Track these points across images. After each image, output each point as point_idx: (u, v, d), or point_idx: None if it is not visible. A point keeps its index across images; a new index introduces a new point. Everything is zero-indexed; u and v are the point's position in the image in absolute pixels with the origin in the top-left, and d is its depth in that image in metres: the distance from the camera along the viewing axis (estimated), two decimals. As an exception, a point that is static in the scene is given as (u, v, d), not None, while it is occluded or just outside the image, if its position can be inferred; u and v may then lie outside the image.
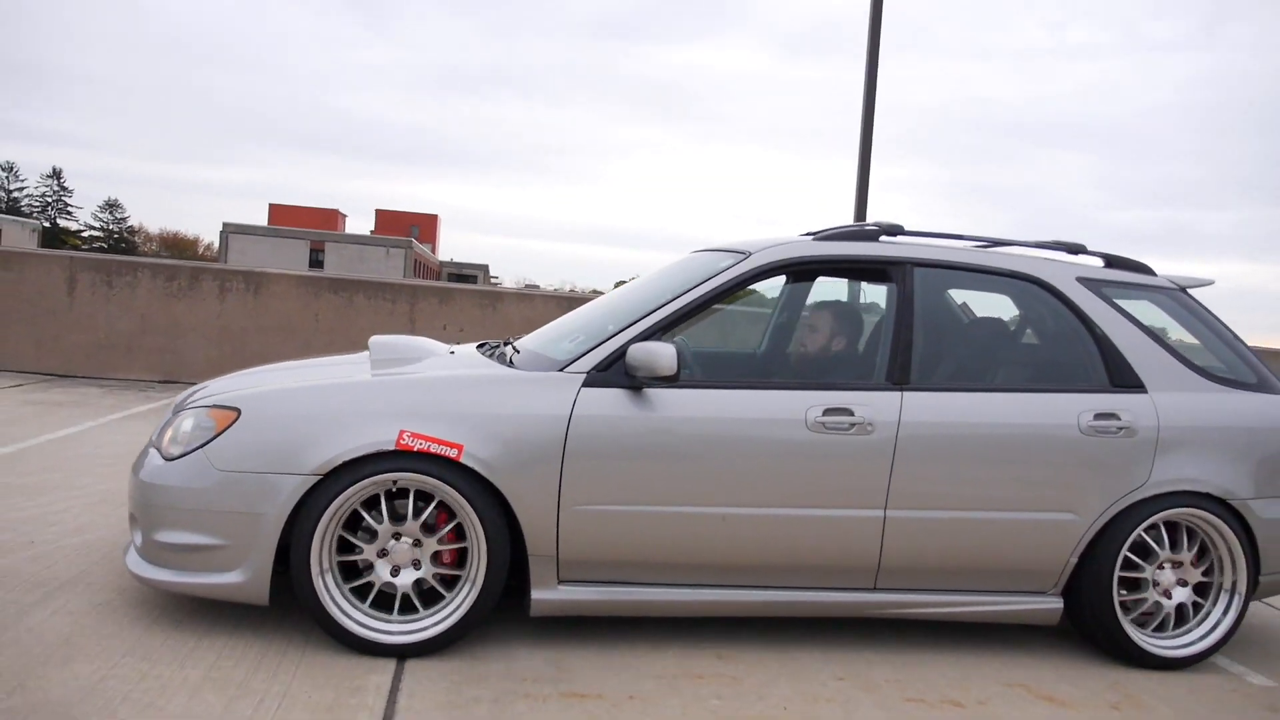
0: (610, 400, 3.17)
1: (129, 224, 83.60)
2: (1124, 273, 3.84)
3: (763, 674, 3.22)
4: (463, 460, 3.01)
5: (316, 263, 55.04)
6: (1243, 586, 3.59)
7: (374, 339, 3.63)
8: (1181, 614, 3.59)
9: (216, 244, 58.35)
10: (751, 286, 3.56)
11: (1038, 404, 3.46)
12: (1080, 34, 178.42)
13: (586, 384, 3.18)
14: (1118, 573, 3.48)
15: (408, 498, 3.06)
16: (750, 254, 3.49)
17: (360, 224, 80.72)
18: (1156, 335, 3.67)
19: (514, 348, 3.68)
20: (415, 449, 2.99)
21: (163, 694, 2.69)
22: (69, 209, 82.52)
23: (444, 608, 3.11)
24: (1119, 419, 3.47)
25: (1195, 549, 3.58)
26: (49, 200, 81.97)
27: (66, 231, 77.21)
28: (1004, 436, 3.39)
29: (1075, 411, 3.45)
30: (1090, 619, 3.52)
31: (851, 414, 3.29)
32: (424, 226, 75.10)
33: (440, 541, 3.09)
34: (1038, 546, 3.45)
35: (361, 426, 3.01)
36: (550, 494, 3.10)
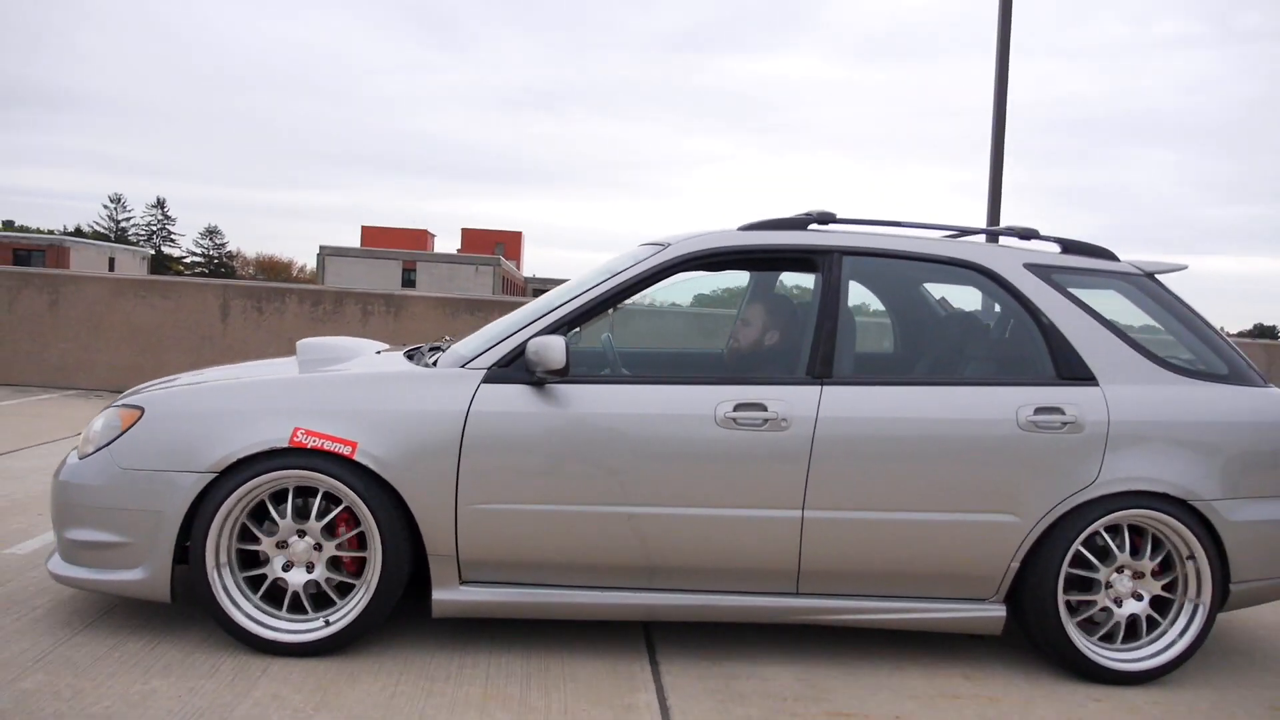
0: (510, 396, 3.10)
1: (228, 249, 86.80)
2: (1081, 258, 3.58)
3: (1017, 694, 3.17)
4: (356, 458, 2.97)
5: (409, 282, 56.28)
6: (1207, 597, 3.28)
7: (301, 341, 3.61)
8: (1135, 626, 3.31)
9: (310, 266, 60.29)
10: (676, 278, 3.39)
11: (973, 398, 3.24)
12: (1167, 27, 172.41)
13: (487, 380, 3.11)
14: (1064, 579, 3.21)
15: (316, 496, 3.04)
16: (669, 245, 3.37)
17: (447, 243, 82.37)
18: (1112, 324, 3.39)
19: (442, 348, 3.59)
20: (309, 446, 2.97)
21: (454, 711, 2.77)
22: (172, 236, 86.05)
23: (336, 609, 3.07)
24: (1063, 413, 3.21)
25: (1160, 558, 3.30)
26: (154, 229, 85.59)
27: (170, 258, 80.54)
28: (933, 433, 3.17)
29: (1014, 406, 3.21)
30: (1035, 628, 3.26)
31: (765, 409, 3.13)
32: (508, 244, 76.35)
33: (341, 547, 3.06)
34: (974, 550, 3.20)
35: (257, 424, 3.01)
36: (448, 492, 3.04)
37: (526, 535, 3.10)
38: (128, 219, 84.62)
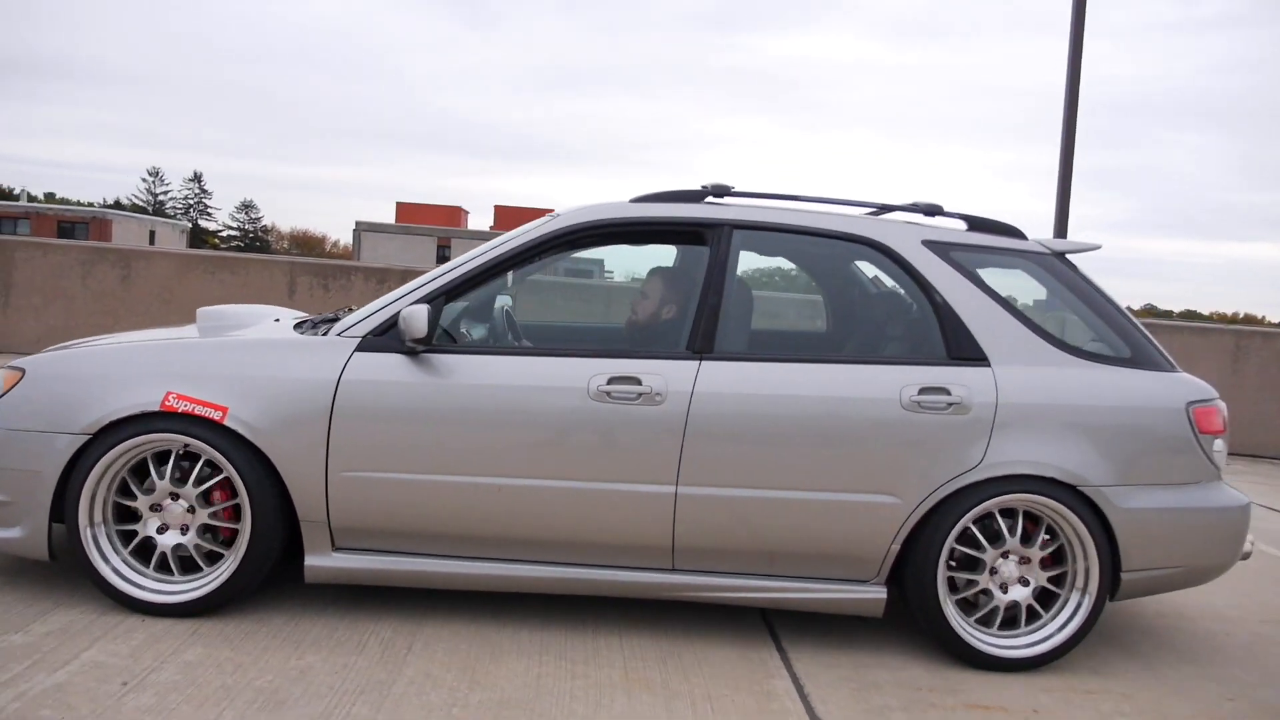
0: (383, 365, 3.10)
1: (263, 224, 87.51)
2: (986, 236, 3.47)
3: (1148, 692, 3.16)
4: (227, 423, 3.00)
5: (443, 258, 56.44)
6: (1094, 586, 3.20)
7: (201, 309, 3.63)
8: (1017, 613, 3.23)
9: (345, 241, 60.54)
10: (565, 248, 3.38)
11: (856, 376, 3.17)
12: (1211, 7, 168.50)
13: (360, 348, 3.12)
14: (945, 562, 3.15)
15: (197, 461, 3.06)
16: (558, 215, 3.34)
17: (480, 220, 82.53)
18: (1010, 304, 3.30)
19: (338, 317, 3.53)
20: (179, 410, 3.00)
21: (601, 693, 2.81)
22: (209, 210, 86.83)
23: (204, 574, 3.09)
24: (949, 394, 3.14)
25: (1055, 547, 3.23)
26: (191, 202, 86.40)
27: (206, 232, 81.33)
28: (812, 411, 3.12)
29: (898, 385, 3.14)
30: (916, 610, 3.22)
31: (639, 383, 3.10)
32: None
33: (217, 515, 3.08)
34: (854, 530, 3.14)
35: (132, 388, 3.04)
36: (318, 459, 3.05)
37: (397, 504, 3.10)
38: (165, 192, 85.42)
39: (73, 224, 42.38)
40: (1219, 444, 3.32)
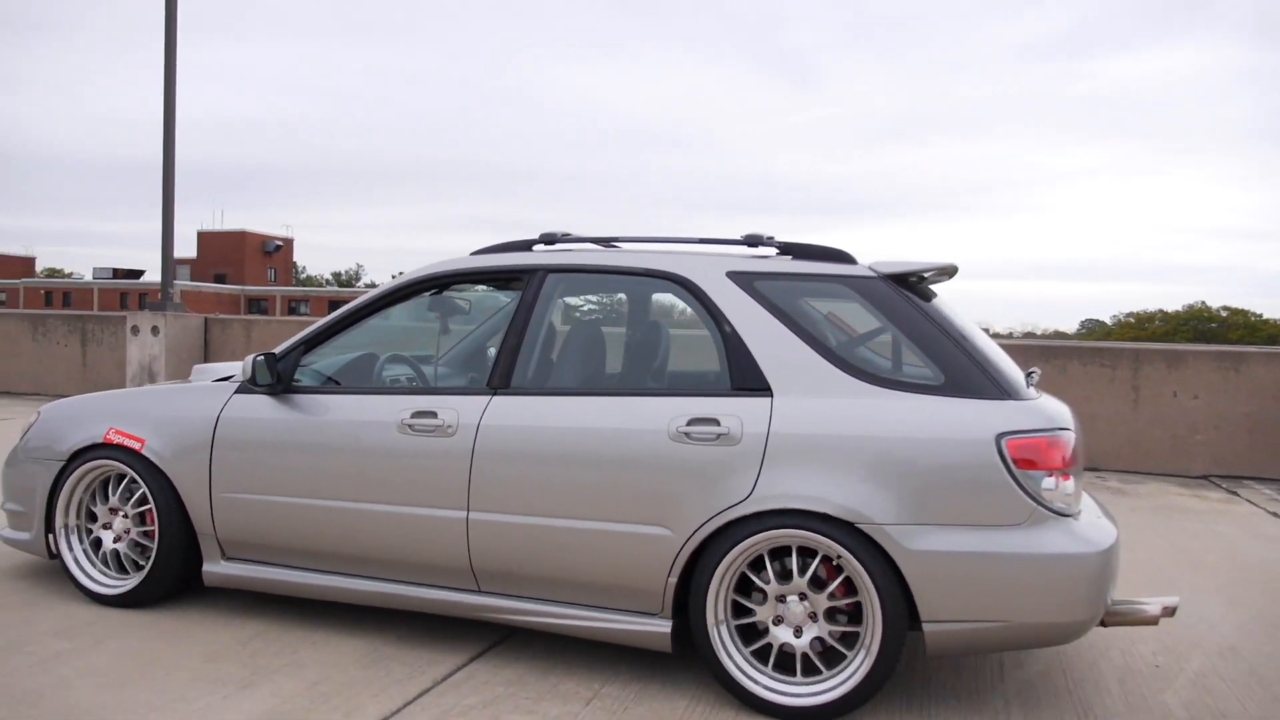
0: (251, 404, 3.71)
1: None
2: (803, 263, 3.32)
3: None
4: (144, 452, 3.76)
5: None
6: (876, 636, 2.90)
7: (195, 366, 4.32)
8: (794, 657, 3.01)
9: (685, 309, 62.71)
10: (415, 298, 3.77)
11: (631, 408, 3.19)
12: None
13: (239, 391, 3.76)
14: (716, 598, 3.03)
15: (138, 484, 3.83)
16: (409, 272, 3.75)
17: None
18: (810, 333, 3.16)
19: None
20: (115, 441, 3.80)
21: None
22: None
23: (135, 574, 3.83)
24: (719, 424, 3.05)
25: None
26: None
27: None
28: (584, 441, 3.19)
29: (669, 416, 3.10)
30: (696, 647, 3.09)
31: (436, 416, 3.39)
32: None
33: (144, 529, 3.83)
34: (631, 562, 3.12)
35: (91, 425, 3.90)
36: (205, 482, 3.71)
37: (260, 521, 3.66)
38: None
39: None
40: (1051, 481, 2.88)
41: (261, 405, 3.71)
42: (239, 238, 68.54)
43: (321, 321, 3.82)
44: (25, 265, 79.25)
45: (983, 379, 3.02)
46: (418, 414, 3.44)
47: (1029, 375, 3.43)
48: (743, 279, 3.29)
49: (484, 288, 3.97)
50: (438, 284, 3.79)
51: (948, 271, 3.48)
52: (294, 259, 75.90)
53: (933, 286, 3.69)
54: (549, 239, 3.72)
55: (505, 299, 3.93)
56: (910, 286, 3.26)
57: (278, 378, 3.66)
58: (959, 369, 3.03)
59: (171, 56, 10.90)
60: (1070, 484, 2.93)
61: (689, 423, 3.11)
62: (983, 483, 2.89)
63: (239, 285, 65.06)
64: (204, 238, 70.38)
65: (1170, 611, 3.11)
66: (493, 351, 3.78)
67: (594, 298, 4.06)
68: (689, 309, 3.40)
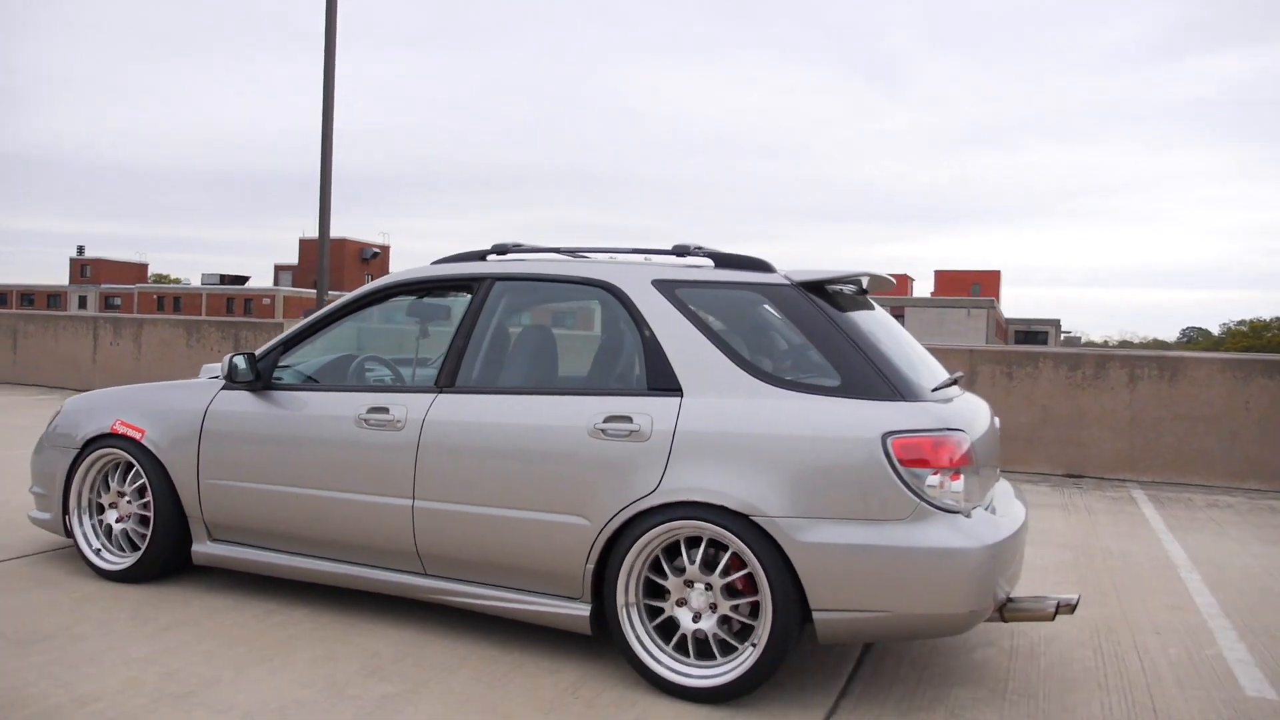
0: (234, 399, 4.08)
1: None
2: (723, 272, 3.54)
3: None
4: (144, 442, 4.17)
5: None
6: (765, 621, 3.07)
7: (204, 366, 4.57)
8: (701, 642, 3.21)
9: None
10: (386, 302, 4.11)
11: (556, 406, 3.46)
12: None
13: (225, 387, 4.13)
14: (625, 583, 3.26)
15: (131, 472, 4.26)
16: (373, 280, 4.08)
17: (920, 286, 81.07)
18: (719, 337, 3.37)
19: None
20: (119, 432, 4.21)
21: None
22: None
23: (135, 552, 4.23)
24: (631, 422, 3.30)
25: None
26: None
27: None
28: (512, 437, 3.47)
29: (589, 414, 3.37)
30: (611, 630, 3.31)
31: (388, 412, 3.71)
32: (985, 284, 72.93)
33: (144, 510, 4.21)
34: (553, 549, 3.39)
35: (102, 416, 4.32)
36: (193, 469, 4.09)
37: (240, 506, 4.01)
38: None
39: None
40: (936, 479, 3.01)
41: (243, 400, 4.08)
42: (338, 245, 71.06)
43: (299, 324, 4.18)
44: (139, 271, 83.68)
45: (877, 381, 3.16)
46: (373, 409, 3.76)
47: (953, 379, 3.59)
48: (665, 286, 3.50)
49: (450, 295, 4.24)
50: (399, 291, 4.10)
51: (856, 280, 3.63)
52: (389, 266, 78.30)
53: (871, 297, 3.90)
54: (500, 249, 3.99)
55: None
56: (823, 294, 3.41)
57: (257, 375, 4.02)
58: (855, 372, 3.18)
59: (330, 73, 11.00)
60: (959, 483, 3.04)
61: (605, 420, 3.34)
62: (869, 479, 3.03)
63: (338, 291, 67.50)
64: (305, 245, 73.25)
65: (1070, 608, 3.20)
66: (445, 351, 4.03)
67: (537, 304, 4.32)
68: (618, 315, 3.62)
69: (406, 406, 3.71)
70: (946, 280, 75.85)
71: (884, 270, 3.81)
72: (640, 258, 3.76)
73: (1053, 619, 3.23)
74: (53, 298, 71.72)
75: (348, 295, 4.14)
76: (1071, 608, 3.21)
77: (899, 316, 55.52)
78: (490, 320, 3.79)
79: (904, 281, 74.97)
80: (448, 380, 3.73)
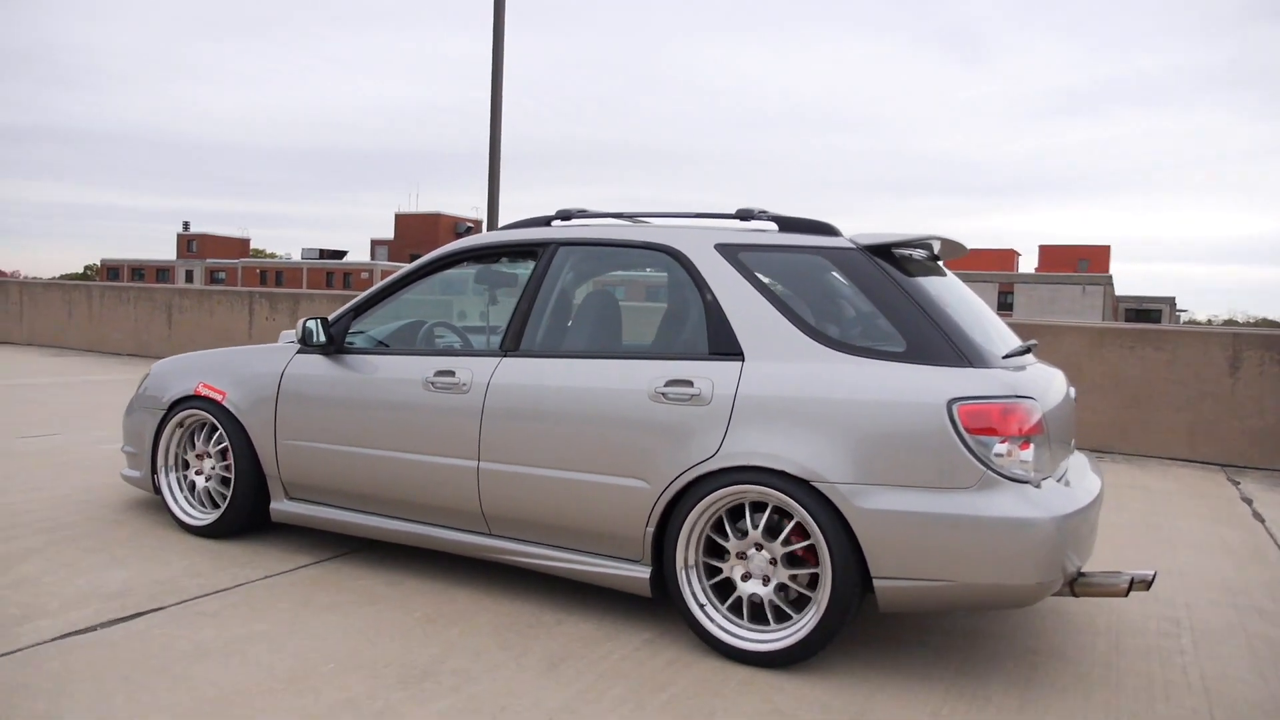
0: (309, 362, 4.18)
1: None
2: (787, 235, 3.49)
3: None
4: (225, 403, 4.29)
5: (1005, 305, 54.26)
6: (825, 587, 3.05)
7: (282, 332, 4.65)
8: (780, 604, 3.18)
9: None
10: (454, 267, 4.14)
11: (616, 370, 3.46)
12: None
13: (300, 351, 4.23)
14: (688, 547, 3.27)
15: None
16: (443, 247, 4.13)
17: (1027, 262, 77.92)
18: (782, 300, 3.33)
19: None
20: (202, 394, 4.33)
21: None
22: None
23: (221, 507, 4.33)
24: (692, 385, 3.28)
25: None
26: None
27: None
28: (576, 399, 3.47)
29: (650, 378, 3.36)
30: (671, 593, 3.32)
31: (454, 375, 3.74)
32: (1093, 259, 69.57)
33: (225, 470, 4.33)
34: (614, 511, 3.39)
35: (187, 379, 4.47)
36: (270, 430, 4.19)
37: (315, 465, 4.10)
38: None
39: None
40: (1004, 447, 2.92)
41: (317, 363, 4.17)
42: (433, 220, 72.20)
43: (370, 290, 4.26)
44: (242, 246, 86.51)
45: (944, 346, 3.08)
46: (440, 372, 3.81)
47: (1026, 347, 3.50)
48: (728, 250, 3.47)
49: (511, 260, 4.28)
50: (466, 256, 4.13)
51: (926, 245, 3.53)
52: (481, 239, 78.85)
53: (944, 261, 3.81)
54: (564, 215, 4.01)
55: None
56: (889, 258, 3.33)
57: (330, 339, 4.11)
58: (921, 337, 3.11)
59: (499, 48, 11.35)
60: (1028, 452, 2.95)
61: (666, 384, 3.34)
62: (933, 446, 2.95)
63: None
64: (400, 219, 74.58)
65: (1146, 584, 3.10)
66: (511, 315, 4.10)
67: (600, 269, 4.27)
68: (680, 279, 3.60)
69: (472, 370, 3.75)
70: (1051, 255, 72.75)
71: (980, 244, 3.69)
72: (704, 222, 3.73)
73: (1126, 595, 3.12)
74: (161, 272, 74.72)
75: (417, 261, 4.18)
76: (1147, 584, 3.10)
77: (1008, 294, 53.42)
78: (554, 285, 3.81)
79: (1010, 256, 72.32)
80: (512, 344, 3.76)
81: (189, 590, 3.66)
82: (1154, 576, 3.12)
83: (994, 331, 3.43)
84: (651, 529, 3.33)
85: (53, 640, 3.12)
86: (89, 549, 4.12)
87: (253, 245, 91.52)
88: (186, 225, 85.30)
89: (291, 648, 3.16)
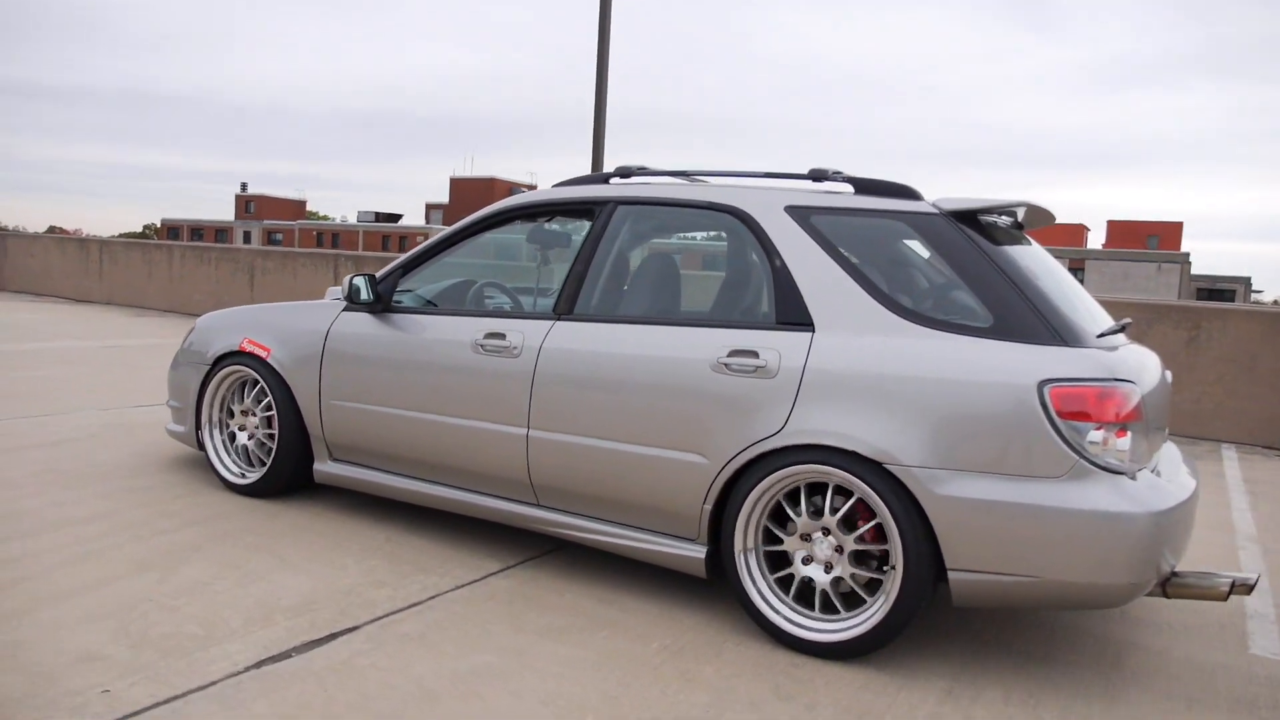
0: (355, 320, 4.02)
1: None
2: (864, 199, 3.19)
3: None
4: (269, 360, 4.17)
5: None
6: (896, 576, 2.80)
7: (328, 289, 4.54)
8: (829, 592, 2.98)
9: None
10: (509, 223, 3.93)
11: (679, 337, 3.23)
12: None
13: (346, 309, 4.07)
14: (748, 528, 3.06)
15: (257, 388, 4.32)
16: (494, 204, 3.92)
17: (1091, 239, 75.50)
18: (857, 268, 3.06)
19: None
20: (247, 350, 4.21)
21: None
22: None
23: (265, 466, 4.24)
24: (757, 357, 3.05)
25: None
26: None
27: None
28: (627, 367, 3.27)
29: (713, 347, 3.13)
30: (728, 575, 3.11)
31: (504, 338, 3.55)
32: (1164, 235, 67.24)
33: (268, 427, 4.27)
34: (669, 487, 3.19)
35: (231, 334, 4.34)
36: (315, 389, 4.06)
37: (359, 426, 3.96)
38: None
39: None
40: (1099, 434, 2.67)
41: (363, 322, 4.02)
42: (487, 184, 71.76)
43: (418, 248, 4.06)
44: (298, 208, 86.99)
45: (1035, 322, 2.82)
46: (489, 335, 3.62)
47: (1120, 325, 3.21)
48: (799, 213, 3.23)
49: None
50: (520, 214, 3.92)
51: (1012, 212, 3.24)
52: (536, 206, 78.64)
53: (1027, 231, 3.50)
54: (624, 172, 3.78)
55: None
56: (975, 225, 3.07)
57: (377, 297, 3.95)
58: (1010, 311, 2.86)
59: (606, 11, 11.30)
60: (1125, 440, 2.69)
61: (729, 354, 3.12)
62: (1020, 430, 2.71)
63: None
64: (456, 184, 74.30)
65: (1248, 588, 2.84)
66: (567, 277, 3.89)
67: (661, 230, 3.97)
68: (746, 242, 3.39)
69: (523, 333, 3.55)
70: (1120, 231, 70.47)
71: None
72: (773, 182, 3.46)
73: (1225, 599, 2.85)
74: (220, 232, 75.35)
75: (468, 218, 3.99)
76: (1249, 588, 2.85)
77: (1078, 269, 51.73)
78: (611, 246, 3.58)
79: (1079, 231, 70.10)
80: (566, 307, 3.55)
81: (378, 603, 3.18)
82: (1257, 579, 2.89)
83: (1085, 308, 3.15)
84: (709, 507, 3.13)
85: (247, 670, 2.64)
86: (251, 546, 3.68)
87: (308, 207, 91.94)
88: (244, 186, 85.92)
89: (532, 690, 2.65)
